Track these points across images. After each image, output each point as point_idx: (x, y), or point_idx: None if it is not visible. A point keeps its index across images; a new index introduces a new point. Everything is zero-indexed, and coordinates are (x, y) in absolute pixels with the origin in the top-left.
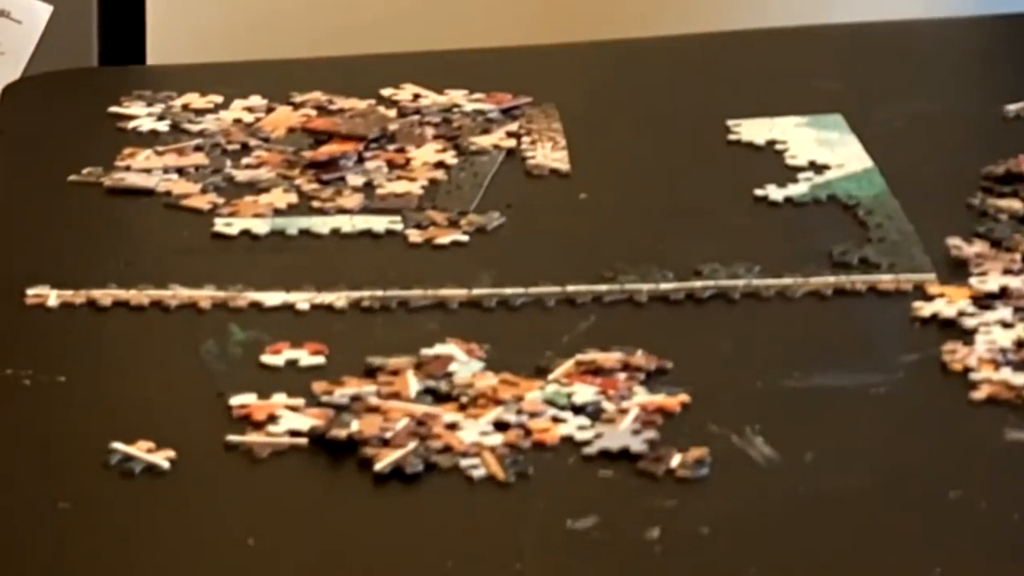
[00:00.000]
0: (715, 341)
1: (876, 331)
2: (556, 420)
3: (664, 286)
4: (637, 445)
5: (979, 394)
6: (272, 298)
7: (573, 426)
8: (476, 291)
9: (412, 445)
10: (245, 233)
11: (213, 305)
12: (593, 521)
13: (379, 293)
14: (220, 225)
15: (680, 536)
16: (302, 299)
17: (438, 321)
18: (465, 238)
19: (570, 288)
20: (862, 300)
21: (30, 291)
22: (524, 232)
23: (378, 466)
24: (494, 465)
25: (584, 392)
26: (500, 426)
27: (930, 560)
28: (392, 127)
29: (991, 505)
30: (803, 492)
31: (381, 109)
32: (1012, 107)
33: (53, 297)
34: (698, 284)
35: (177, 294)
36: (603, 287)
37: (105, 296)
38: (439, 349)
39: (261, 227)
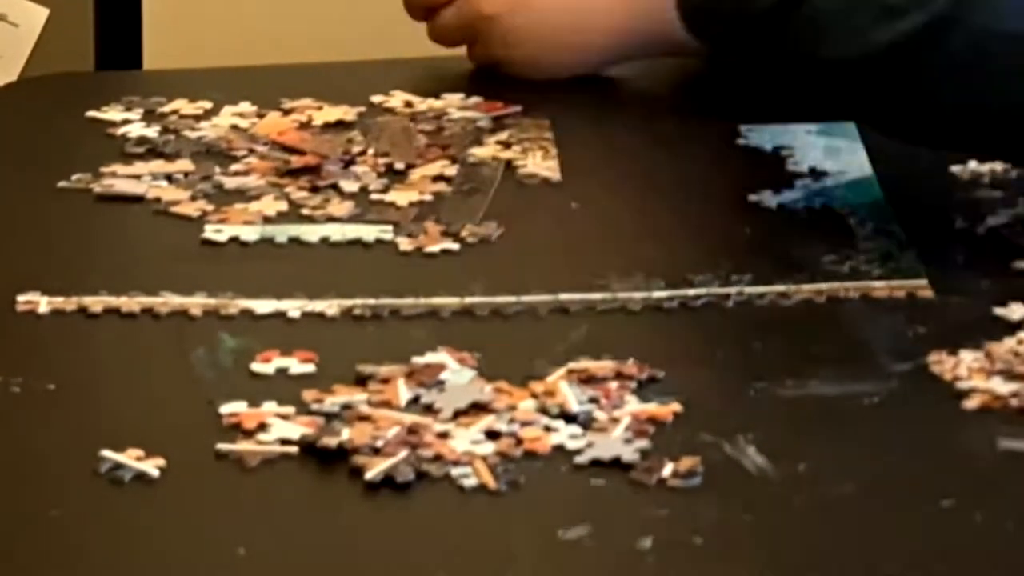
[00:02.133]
0: (707, 349)
1: (869, 340)
2: (548, 429)
3: (656, 294)
4: (629, 454)
5: (971, 403)
6: (263, 305)
7: (565, 435)
8: (467, 299)
9: (403, 454)
10: (234, 240)
11: (204, 312)
12: (585, 530)
13: (371, 301)
14: (210, 232)
15: (672, 546)
16: (293, 307)
17: (429, 330)
18: (455, 247)
19: (562, 296)
20: (855, 308)
21: (20, 297)
22: (515, 241)
23: (369, 475)
24: (485, 474)
25: (576, 395)
26: (491, 435)
27: (924, 570)
28: (356, 149)
29: (985, 515)
30: (796, 502)
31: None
32: None
33: (44, 304)
34: (690, 292)
35: (168, 301)
36: (595, 295)
37: (96, 303)
38: (430, 357)
39: (251, 234)
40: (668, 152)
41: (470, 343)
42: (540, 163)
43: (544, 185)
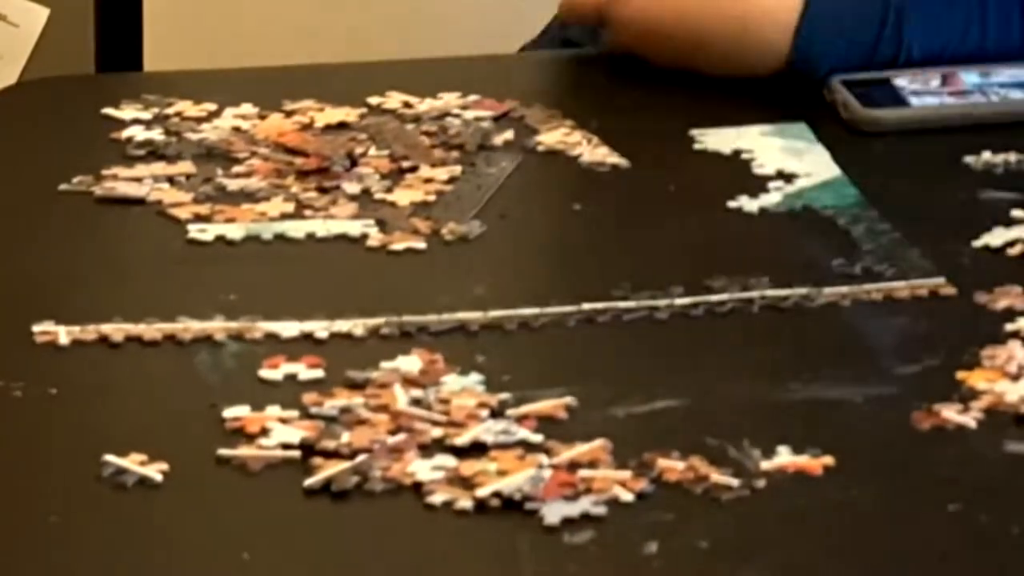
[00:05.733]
0: (711, 353)
1: (876, 341)
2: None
3: (679, 302)
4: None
5: (979, 405)
6: (289, 328)
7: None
8: (461, 314)
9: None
10: (220, 239)
11: (229, 337)
12: (590, 535)
13: (395, 319)
14: (194, 232)
15: (678, 550)
16: (320, 328)
17: (445, 340)
18: (422, 245)
19: (585, 307)
20: (862, 310)
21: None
22: (492, 242)
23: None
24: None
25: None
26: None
27: (930, 574)
28: (359, 150)
29: (991, 518)
30: (802, 506)
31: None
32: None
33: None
34: (679, 300)
35: (189, 327)
36: (619, 304)
37: (116, 331)
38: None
39: (235, 232)
40: (643, 155)
41: (473, 350)
42: (595, 151)
43: (614, 171)
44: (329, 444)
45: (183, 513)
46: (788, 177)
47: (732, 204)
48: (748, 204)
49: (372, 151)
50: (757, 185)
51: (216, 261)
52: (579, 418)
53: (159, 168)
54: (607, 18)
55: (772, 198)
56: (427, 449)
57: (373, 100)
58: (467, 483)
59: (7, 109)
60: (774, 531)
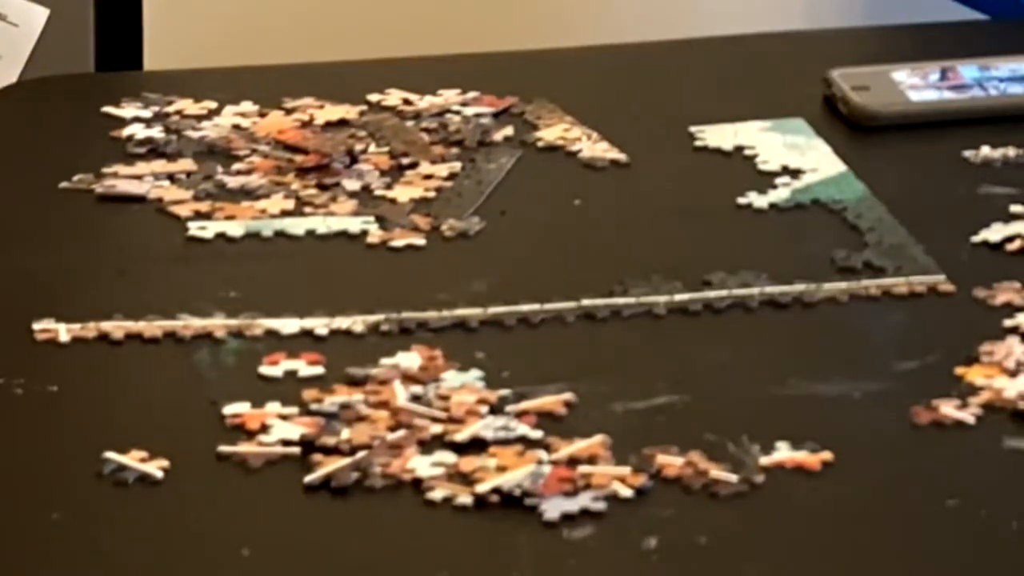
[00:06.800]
0: (712, 349)
1: (875, 338)
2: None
3: (678, 298)
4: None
5: (978, 401)
6: (289, 325)
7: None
8: (461, 311)
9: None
10: (220, 236)
11: (229, 334)
12: (590, 531)
13: (394, 316)
14: (194, 229)
15: (677, 546)
16: (320, 324)
17: (445, 336)
18: (422, 241)
19: (586, 302)
20: (861, 306)
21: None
22: (490, 238)
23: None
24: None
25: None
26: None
27: (929, 569)
28: (359, 147)
29: (990, 513)
30: (800, 501)
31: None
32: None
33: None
34: (678, 296)
35: (190, 323)
36: (618, 300)
37: (117, 328)
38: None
39: (236, 229)
40: (646, 151)
41: (474, 348)
42: (595, 147)
43: (614, 167)
44: (329, 440)
45: (184, 510)
46: (794, 172)
47: (742, 200)
48: (758, 200)
49: (372, 148)
50: (764, 181)
51: (216, 258)
52: (578, 414)
53: (159, 166)
54: None
55: (781, 194)
56: (427, 445)
57: (373, 97)
58: (467, 479)
59: (7, 109)
60: (773, 527)
